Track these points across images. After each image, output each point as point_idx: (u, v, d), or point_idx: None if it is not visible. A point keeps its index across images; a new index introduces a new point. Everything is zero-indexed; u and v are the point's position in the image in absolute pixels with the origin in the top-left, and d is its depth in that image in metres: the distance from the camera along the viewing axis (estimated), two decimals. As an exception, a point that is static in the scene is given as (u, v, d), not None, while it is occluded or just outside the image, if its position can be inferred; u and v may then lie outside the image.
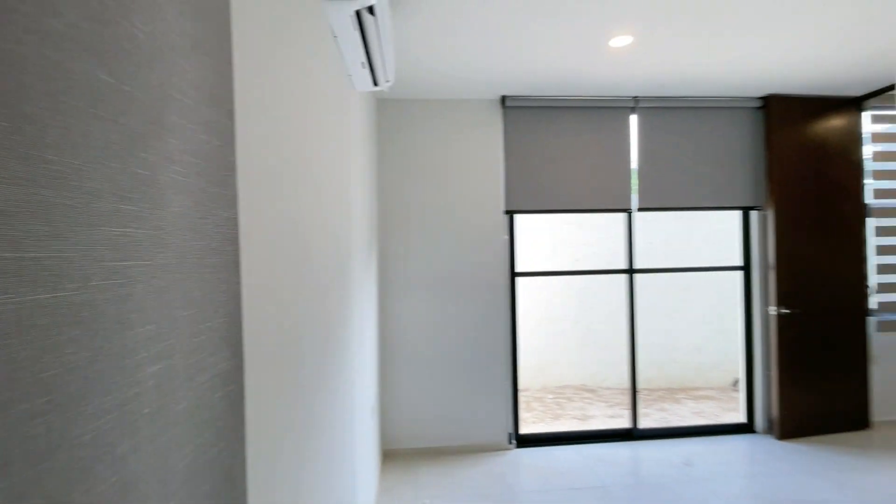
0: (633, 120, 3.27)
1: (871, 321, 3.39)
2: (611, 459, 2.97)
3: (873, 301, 3.40)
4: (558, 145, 3.21)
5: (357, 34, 1.56)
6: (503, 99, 3.13)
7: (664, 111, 3.29)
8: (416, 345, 3.12)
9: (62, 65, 0.27)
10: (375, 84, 2.02)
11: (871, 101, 3.34)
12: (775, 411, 3.20)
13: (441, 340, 3.13)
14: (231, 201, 0.49)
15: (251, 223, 0.59)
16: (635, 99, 3.21)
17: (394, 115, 3.14)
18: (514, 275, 3.25)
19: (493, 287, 3.17)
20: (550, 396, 5.01)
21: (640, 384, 4.85)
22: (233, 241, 0.49)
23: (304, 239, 1.02)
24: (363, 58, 1.74)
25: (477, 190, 3.17)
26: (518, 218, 3.36)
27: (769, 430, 3.30)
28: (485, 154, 3.17)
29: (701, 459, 2.93)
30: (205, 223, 0.43)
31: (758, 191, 3.35)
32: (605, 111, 3.24)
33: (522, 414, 4.30)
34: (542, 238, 5.15)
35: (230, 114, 0.49)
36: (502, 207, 3.19)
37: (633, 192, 3.29)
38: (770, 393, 3.26)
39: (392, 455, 3.08)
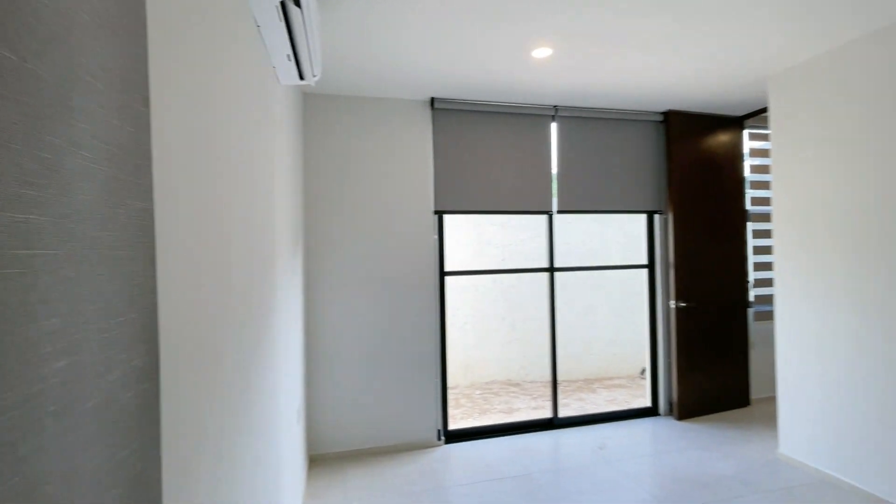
0: (554, 127, 3.48)
1: (751, 312, 3.90)
2: (534, 448, 3.13)
3: (752, 294, 3.91)
4: (485, 148, 3.32)
5: (282, 25, 1.51)
6: (432, 101, 3.18)
7: (581, 120, 3.53)
8: (345, 346, 3.07)
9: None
10: (302, 78, 1.96)
11: (750, 121, 3.84)
12: (675, 395, 3.57)
13: (370, 341, 3.10)
14: (146, 191, 0.47)
15: (168, 215, 0.56)
16: (555, 108, 3.41)
17: (322, 111, 3.06)
18: (443, 274, 3.31)
19: (422, 286, 3.20)
20: (478, 392, 5.15)
21: (561, 376, 5.16)
22: (147, 232, 0.47)
23: (226, 234, 0.98)
24: (289, 50, 1.69)
25: (407, 189, 3.19)
26: (447, 218, 3.42)
27: (670, 412, 3.67)
28: (414, 154, 3.20)
29: (613, 442, 3.18)
30: (117, 213, 0.41)
31: (660, 196, 3.71)
32: (528, 118, 3.41)
33: (452, 411, 4.39)
34: (469, 238, 5.29)
35: (146, 100, 0.47)
36: (431, 207, 3.23)
37: (553, 195, 3.49)
38: (671, 379, 3.63)
39: (320, 460, 2.99)
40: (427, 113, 3.23)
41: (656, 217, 3.75)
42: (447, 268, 3.39)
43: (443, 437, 3.25)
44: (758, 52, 2.58)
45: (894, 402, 2.28)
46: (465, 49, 2.47)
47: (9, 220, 0.29)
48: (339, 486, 2.67)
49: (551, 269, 3.56)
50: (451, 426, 3.41)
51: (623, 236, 5.56)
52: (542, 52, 2.53)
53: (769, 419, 3.49)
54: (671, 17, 2.17)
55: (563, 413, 3.66)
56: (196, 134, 0.76)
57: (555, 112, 3.42)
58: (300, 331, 2.68)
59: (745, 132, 3.86)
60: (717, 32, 2.33)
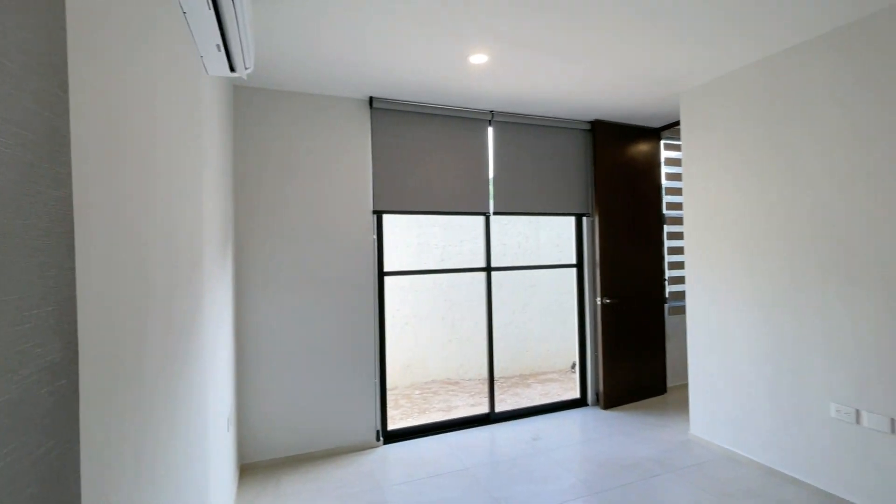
0: (490, 132, 3.60)
1: (666, 307, 4.26)
2: (471, 443, 3.20)
3: (667, 291, 4.28)
4: (424, 149, 3.36)
5: (212, 14, 1.45)
6: (371, 100, 3.17)
7: (516, 126, 3.68)
8: (280, 349, 2.96)
9: None
10: (233, 70, 1.88)
11: (666, 133, 4.20)
12: (601, 386, 3.82)
13: (307, 343, 3.02)
14: (64, 179, 0.44)
15: (88, 205, 0.52)
16: (492, 113, 3.53)
17: (255, 105, 2.94)
18: (382, 274, 3.30)
19: (360, 286, 3.17)
20: (418, 392, 5.18)
21: (497, 373, 5.33)
22: (65, 222, 0.44)
23: (154, 228, 0.93)
24: (218, 40, 1.62)
25: (345, 189, 3.14)
26: (386, 218, 3.42)
27: (597, 402, 3.92)
28: (353, 153, 3.17)
29: (546, 433, 3.34)
30: (32, 201, 0.39)
31: (588, 200, 3.96)
32: (466, 121, 3.50)
33: (391, 412, 4.38)
34: (409, 239, 5.31)
35: (64, 84, 0.44)
36: (370, 207, 3.22)
37: (490, 197, 3.61)
38: (598, 371, 3.87)
39: (251, 469, 2.87)
40: (366, 112, 3.21)
41: (584, 219, 3.99)
42: (386, 268, 3.39)
43: (381, 438, 3.23)
44: (671, 70, 2.84)
45: (781, 386, 2.61)
46: (404, 51, 2.49)
47: None
48: (271, 493, 2.58)
49: (488, 269, 3.67)
50: (391, 427, 3.41)
51: (555, 237, 5.84)
52: (479, 59, 2.61)
53: (682, 404, 3.84)
54: (597, 35, 2.34)
55: (499, 408, 3.78)
56: (116, 122, 0.72)
57: (491, 117, 3.54)
58: (230, 334, 2.56)
59: (662, 142, 4.22)
60: (637, 51, 2.54)
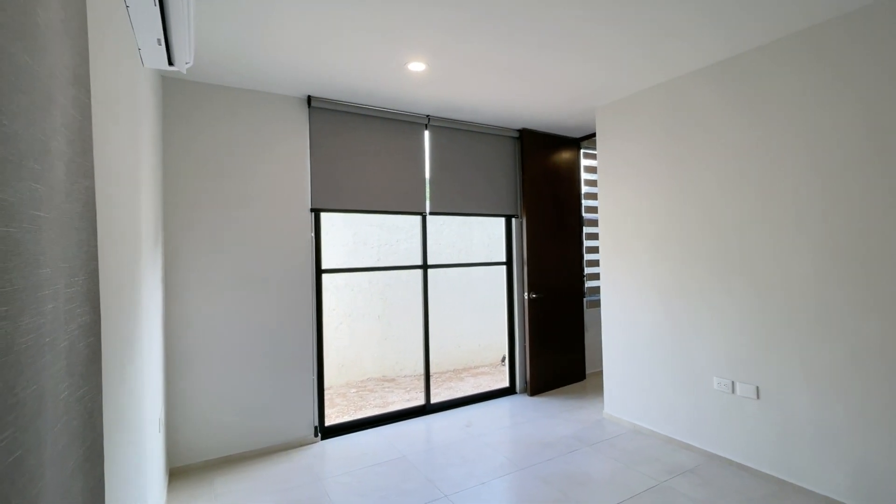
0: (427, 135, 3.76)
1: (585, 301, 4.69)
2: (408, 433, 3.34)
3: (586, 286, 4.71)
4: (363, 150, 3.44)
5: (156, 10, 1.46)
6: (309, 99, 3.20)
7: (451, 131, 3.88)
8: (213, 347, 2.90)
9: (5, 49, 0.33)
10: (171, 64, 1.87)
11: (584, 143, 4.62)
12: (528, 375, 4.12)
13: (242, 342, 2.98)
14: (89, 171, 0.52)
15: (101, 193, 0.59)
16: (428, 117, 3.70)
17: (185, 98, 2.86)
18: (319, 272, 3.33)
19: (298, 284, 3.19)
20: (354, 391, 5.21)
21: (433, 368, 5.51)
22: (91, 207, 0.52)
23: (106, 224, 0.97)
24: (160, 35, 1.62)
25: (282, 186, 3.14)
26: (324, 216, 3.45)
27: (525, 389, 4.22)
28: (290, 151, 3.18)
29: (478, 420, 3.56)
30: (74, 188, 0.47)
31: (516, 202, 4.25)
32: (404, 124, 3.63)
33: (327, 410, 4.38)
34: (346, 237, 5.32)
35: (88, 91, 0.52)
36: (308, 205, 3.24)
37: (427, 198, 3.77)
38: (525, 361, 4.18)
39: (182, 472, 2.78)
40: (304, 111, 3.23)
41: (513, 220, 4.28)
42: (324, 266, 3.42)
43: (319, 434, 3.27)
44: (588, 88, 3.18)
45: (676, 365, 3.03)
46: (343, 54, 2.58)
47: (27, 188, 0.36)
48: (204, 496, 2.53)
49: (425, 267, 3.82)
50: (329, 423, 3.44)
51: (486, 238, 6.14)
52: (417, 67, 2.76)
53: (599, 389, 4.25)
54: (525, 53, 2.58)
55: (434, 400, 3.95)
56: (117, 121, 0.78)
57: (428, 121, 3.70)
58: (159, 333, 2.48)
59: (581, 151, 4.63)
60: (560, 70, 2.83)
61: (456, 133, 3.91)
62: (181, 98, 2.85)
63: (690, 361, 2.95)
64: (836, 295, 2.28)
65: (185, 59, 1.85)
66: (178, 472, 2.78)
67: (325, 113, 3.30)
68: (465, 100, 3.38)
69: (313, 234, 3.29)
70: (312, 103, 3.20)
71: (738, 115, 2.68)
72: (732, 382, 2.71)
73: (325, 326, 5.15)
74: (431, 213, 3.78)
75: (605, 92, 3.28)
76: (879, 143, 2.13)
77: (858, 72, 2.19)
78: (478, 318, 6.11)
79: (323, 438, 3.28)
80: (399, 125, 3.61)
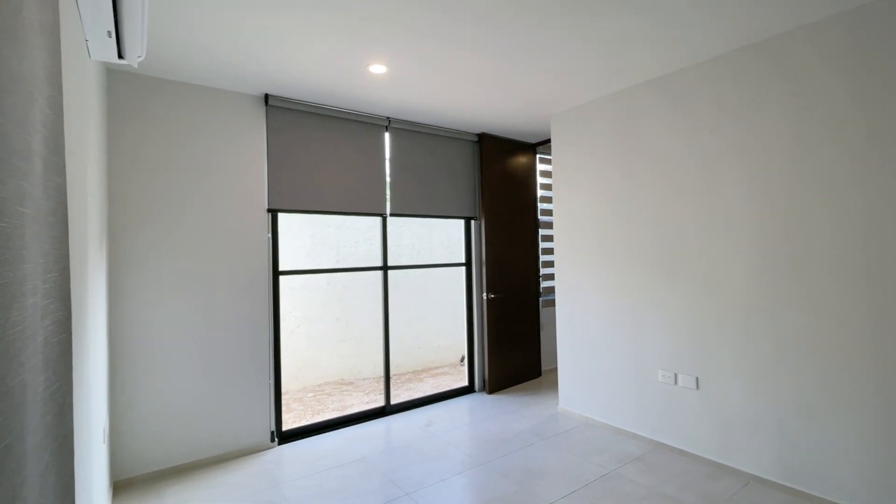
0: (387, 137, 3.78)
1: (540, 300, 4.85)
2: (368, 435, 3.33)
3: (541, 286, 4.87)
4: (322, 150, 3.41)
5: (108, 1, 1.41)
6: (267, 97, 3.14)
7: (411, 133, 3.92)
8: (164, 352, 2.78)
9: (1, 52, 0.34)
10: (121, 57, 1.80)
11: (540, 148, 4.79)
12: (487, 373, 4.22)
13: (195, 346, 2.88)
14: (62, 168, 0.52)
15: (74, 190, 0.59)
16: (389, 119, 3.72)
17: (134, 93, 2.73)
18: (277, 273, 3.27)
19: (254, 286, 3.11)
20: (311, 395, 5.11)
21: (393, 370, 5.50)
22: (63, 205, 0.52)
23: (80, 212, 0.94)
24: (111, 26, 1.56)
25: (238, 186, 3.06)
26: (281, 217, 3.39)
27: (483, 388, 4.31)
28: (247, 150, 3.10)
29: (438, 419, 3.61)
30: (49, 185, 0.47)
31: (475, 205, 4.35)
32: (364, 125, 3.63)
33: (283, 416, 4.28)
34: (304, 239, 5.23)
35: (59, 87, 0.52)
36: (265, 205, 3.17)
37: (387, 199, 3.78)
38: (484, 360, 4.27)
39: (127, 485, 2.65)
40: (261, 109, 3.17)
41: (472, 222, 4.37)
42: (282, 267, 3.36)
43: (276, 439, 3.20)
44: (544, 96, 3.31)
45: (624, 360, 3.21)
46: (303, 52, 2.56)
47: (15, 185, 0.37)
48: (155, 506, 2.43)
49: (385, 268, 3.83)
50: (286, 427, 3.38)
51: (446, 239, 6.21)
52: (378, 69, 2.78)
53: (554, 385, 4.41)
54: (485, 61, 2.66)
55: (394, 401, 3.96)
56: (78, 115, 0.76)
57: (388, 123, 3.72)
58: (104, 336, 2.36)
59: (537, 156, 4.80)
60: (518, 78, 2.94)
61: (416, 135, 3.96)
62: (129, 92, 2.72)
63: (638, 356, 3.13)
64: (763, 294, 2.51)
65: (136, 53, 1.79)
66: (124, 486, 2.64)
67: (282, 112, 3.25)
68: (426, 103, 3.43)
69: (270, 235, 3.22)
70: (270, 101, 3.15)
71: (679, 126, 2.88)
72: (675, 375, 2.91)
73: (282, 329, 5.03)
74: (392, 215, 3.80)
75: (560, 100, 3.43)
76: (803, 153, 2.37)
77: (782, 89, 2.42)
78: (437, 318, 6.16)
79: (280, 443, 3.21)
80: (359, 126, 3.61)
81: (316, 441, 3.25)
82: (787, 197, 2.42)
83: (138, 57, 1.82)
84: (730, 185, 2.65)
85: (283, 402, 4.74)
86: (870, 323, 2.15)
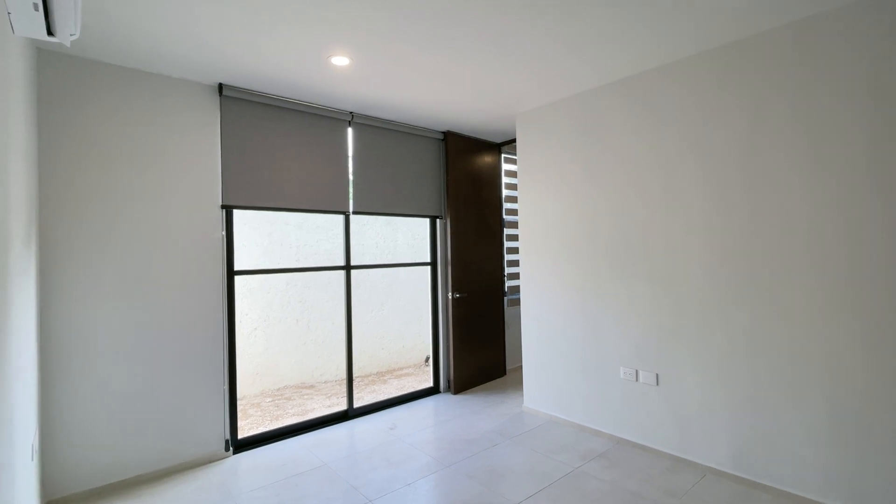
0: (350, 132, 3.67)
1: (505, 299, 4.86)
2: (330, 440, 3.22)
3: (506, 285, 4.89)
4: (282, 145, 3.26)
5: (34, -31, 1.26)
6: (221, 87, 2.97)
7: (375, 129, 3.82)
8: (104, 361, 2.57)
9: None
10: (51, 34, 1.63)
11: (505, 148, 4.80)
12: (452, 374, 4.18)
13: (140, 352, 2.68)
14: None
15: None
16: (352, 114, 3.61)
17: (68, 76, 2.51)
18: (231, 273, 3.10)
19: (206, 287, 2.93)
20: (269, 400, 4.91)
21: (356, 372, 5.37)
22: None
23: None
24: (38, -2, 1.40)
25: (188, 181, 2.87)
26: (237, 214, 3.22)
27: (448, 388, 4.27)
28: (198, 142, 2.92)
29: (402, 421, 3.54)
30: None
31: (441, 203, 4.30)
32: (326, 120, 3.50)
33: (239, 423, 4.09)
34: (262, 237, 5.01)
35: None
36: (219, 201, 3.00)
37: (350, 197, 3.67)
38: (449, 360, 4.23)
39: (61, 504, 2.42)
40: (215, 99, 2.99)
41: (438, 221, 4.32)
42: (237, 266, 3.19)
43: (231, 448, 3.03)
44: (509, 95, 3.30)
45: (588, 358, 3.25)
46: (260, 40, 2.42)
47: None
48: (94, 527, 2.23)
49: (348, 267, 3.72)
50: (242, 435, 3.21)
51: (410, 239, 6.13)
52: (340, 61, 2.68)
53: (518, 383, 4.43)
54: (450, 56, 2.61)
55: (357, 404, 3.85)
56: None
57: (351, 118, 3.61)
58: (33, 343, 2.14)
59: (502, 156, 4.81)
60: (483, 75, 2.91)
61: (381, 132, 3.86)
62: (63, 75, 2.49)
63: (600, 354, 3.18)
64: (718, 292, 2.60)
65: (69, 30, 1.62)
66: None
67: (239, 103, 3.08)
68: (390, 99, 3.35)
69: (224, 233, 3.05)
70: (224, 92, 2.97)
71: (639, 127, 2.94)
72: (636, 371, 2.97)
73: (237, 332, 4.81)
74: (355, 213, 3.69)
75: (525, 99, 3.43)
76: (755, 157, 2.46)
77: (740, 92, 2.51)
78: (401, 318, 6.07)
79: (236, 452, 3.04)
80: (321, 121, 3.48)
81: (274, 449, 3.11)
82: (741, 199, 2.51)
83: (71, 35, 1.65)
84: (689, 187, 2.72)
85: (240, 408, 4.52)
86: (816, 317, 2.25)
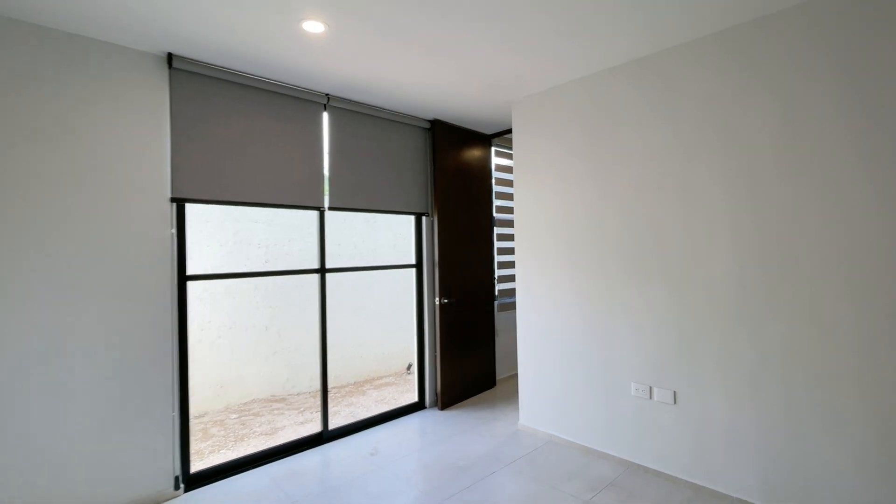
0: (326, 118, 3.23)
1: (496, 304, 4.51)
2: (301, 471, 2.79)
3: (497, 290, 4.53)
4: (247, 130, 2.81)
5: None
6: (171, 57, 2.50)
7: (355, 115, 3.40)
8: (9, 390, 2.07)
9: None
10: None
11: (496, 140, 4.44)
12: (439, 387, 3.79)
13: (61, 375, 2.19)
14: None
15: None
16: (328, 96, 3.18)
17: (-32, 34, 2.00)
18: (184, 278, 2.63)
19: (151, 294, 2.46)
20: (234, 416, 4.42)
21: (331, 383, 4.93)
22: None
23: None
24: None
25: (128, 168, 2.40)
26: (193, 210, 2.75)
27: (435, 403, 3.88)
28: (141, 121, 2.44)
29: (385, 445, 3.13)
30: None
31: (427, 200, 3.90)
32: (299, 102, 3.06)
33: (199, 444, 3.61)
34: (225, 236, 4.51)
35: None
36: (167, 194, 2.53)
37: (325, 191, 3.24)
38: (436, 372, 3.84)
39: (-44, 571, 1.93)
40: (163, 72, 2.52)
41: (423, 219, 3.92)
42: (192, 270, 2.72)
43: (182, 485, 2.56)
44: (506, 77, 2.93)
45: (594, 372, 2.91)
46: (218, 2, 1.98)
47: None
48: None
49: (322, 271, 3.29)
50: (197, 468, 2.74)
51: (392, 238, 5.71)
52: (313, 27, 2.26)
53: (510, 395, 4.08)
54: (440, 28, 2.23)
55: (333, 423, 3.43)
56: None
57: (327, 101, 3.18)
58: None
59: (493, 149, 4.45)
60: (477, 52, 2.53)
61: (361, 118, 3.44)
62: (-39, 32, 1.99)
63: (608, 367, 2.85)
64: (747, 300, 2.29)
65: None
66: (-48, 571, 1.92)
67: (192, 78, 2.61)
68: (372, 78, 2.94)
69: (175, 231, 2.58)
70: (175, 63, 2.51)
71: (656, 114, 2.62)
72: (650, 388, 2.65)
73: (196, 344, 4.31)
74: (331, 209, 3.26)
75: (523, 83, 3.07)
76: (797, 148, 2.16)
77: (773, 73, 2.21)
78: (381, 323, 5.65)
79: (188, 489, 2.58)
80: (292, 103, 3.03)
81: (235, 483, 2.66)
82: (777, 196, 2.20)
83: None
84: (714, 181, 2.41)
85: (201, 426, 4.03)
86: (864, 331, 1.96)
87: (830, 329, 2.05)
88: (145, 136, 2.45)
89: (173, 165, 2.54)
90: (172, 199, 2.54)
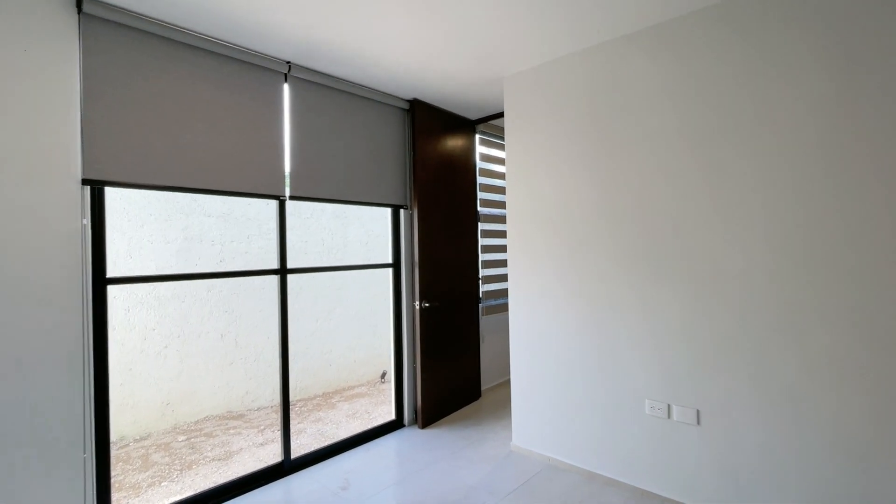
0: (287, 90, 2.73)
1: (481, 307, 4.10)
2: (256, 514, 2.30)
3: (481, 291, 4.12)
4: (188, 100, 2.29)
5: None
6: (80, 0, 1.95)
7: (322, 88, 2.91)
8: None
9: None
10: None
11: (481, 126, 4.03)
12: (419, 401, 3.35)
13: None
14: None
15: None
16: (289, 64, 2.68)
17: None
18: (103, 281, 2.09)
19: (58, 301, 1.91)
20: (182, 438, 3.85)
21: (297, 395, 4.41)
22: None
23: None
24: None
25: (23, 141, 1.84)
26: (115, 194, 2.22)
27: (415, 420, 3.44)
28: (40, 80, 1.89)
29: (357, 477, 2.67)
30: None
31: (406, 190, 3.45)
32: (254, 70, 2.55)
33: (136, 476, 3.05)
34: (170, 232, 3.92)
35: None
36: (77, 175, 1.98)
37: (286, 179, 2.74)
38: (416, 386, 3.40)
39: None
40: (71, 18, 1.96)
41: (402, 212, 3.47)
42: (113, 271, 2.19)
43: (100, 542, 2.03)
44: (495, 47, 2.52)
45: (599, 387, 2.54)
46: None
47: None
48: None
49: (283, 271, 2.79)
50: (121, 516, 2.21)
51: (364, 235, 5.22)
52: (266, -39, 1.77)
53: (498, 408, 3.68)
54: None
55: (297, 447, 2.94)
56: None
57: (288, 69, 2.68)
58: None
59: (477, 136, 4.03)
60: (464, 15, 2.10)
61: (329, 93, 2.95)
62: None
63: (617, 382, 2.48)
64: (786, 302, 1.95)
65: None
66: None
67: (111, 28, 2.07)
68: (343, 42, 2.46)
69: (88, 222, 2.03)
70: (85, 8, 1.97)
71: (675, 92, 2.26)
72: (668, 406, 2.29)
73: (134, 357, 3.72)
74: (293, 198, 2.77)
75: (517, 55, 2.66)
76: (847, 127, 1.83)
77: (818, 38, 1.87)
78: (353, 328, 5.15)
79: (108, 547, 2.05)
80: (246, 70, 2.52)
81: (170, 535, 2.14)
82: (819, 183, 1.88)
83: None
84: (746, 171, 2.06)
85: (140, 453, 3.45)
86: (938, 343, 1.65)
87: (890, 336, 1.73)
88: (49, 100, 1.89)
89: (85, 138, 1.99)
90: (85, 181, 2.00)
